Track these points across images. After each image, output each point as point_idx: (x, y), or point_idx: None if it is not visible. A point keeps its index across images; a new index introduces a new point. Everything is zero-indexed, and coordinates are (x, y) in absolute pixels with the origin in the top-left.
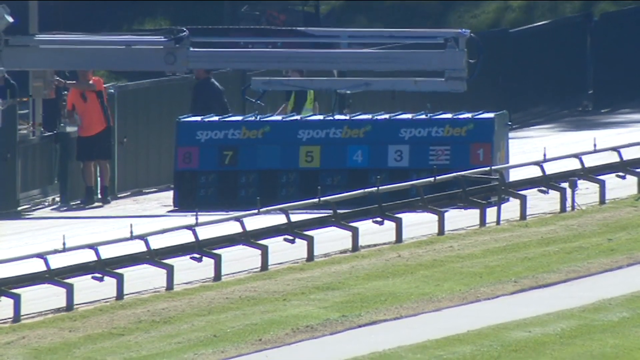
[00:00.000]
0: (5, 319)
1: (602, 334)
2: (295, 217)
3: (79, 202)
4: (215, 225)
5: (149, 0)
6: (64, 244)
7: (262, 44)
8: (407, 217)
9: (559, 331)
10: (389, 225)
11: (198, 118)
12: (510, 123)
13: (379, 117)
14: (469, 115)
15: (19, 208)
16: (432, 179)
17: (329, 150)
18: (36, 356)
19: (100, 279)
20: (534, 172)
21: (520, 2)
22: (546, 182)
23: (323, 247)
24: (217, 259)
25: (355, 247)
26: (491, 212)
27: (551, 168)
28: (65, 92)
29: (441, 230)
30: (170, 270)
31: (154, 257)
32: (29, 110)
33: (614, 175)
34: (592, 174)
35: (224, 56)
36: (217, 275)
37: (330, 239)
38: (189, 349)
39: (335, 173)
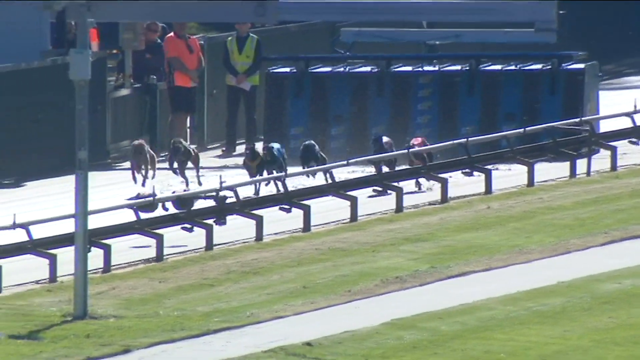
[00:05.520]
0: (95, 269)
1: None
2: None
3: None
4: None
5: None
6: (153, 194)
7: None
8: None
9: None
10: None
11: (287, 69)
12: (601, 74)
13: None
14: None
15: (109, 159)
16: (521, 130)
17: None
18: (127, 307)
19: (190, 230)
20: (625, 123)
21: None
22: (637, 133)
23: (412, 198)
24: (307, 210)
25: (445, 198)
26: (581, 164)
27: None
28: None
29: (531, 182)
30: (259, 220)
31: (243, 207)
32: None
33: None
34: None
35: (314, 7)
36: (307, 226)
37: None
38: (279, 300)
39: None
